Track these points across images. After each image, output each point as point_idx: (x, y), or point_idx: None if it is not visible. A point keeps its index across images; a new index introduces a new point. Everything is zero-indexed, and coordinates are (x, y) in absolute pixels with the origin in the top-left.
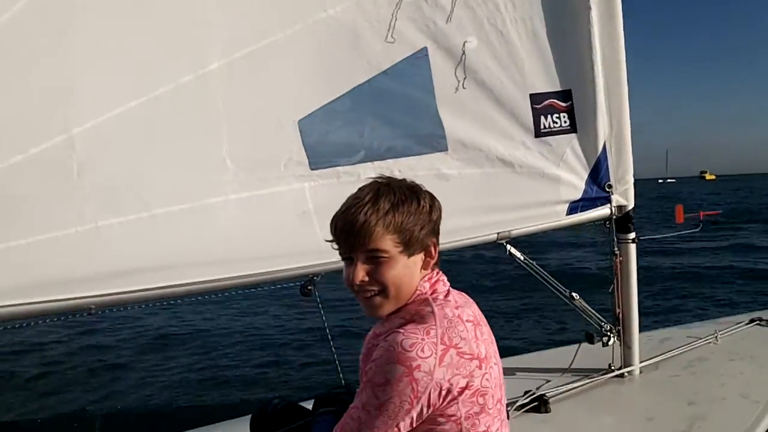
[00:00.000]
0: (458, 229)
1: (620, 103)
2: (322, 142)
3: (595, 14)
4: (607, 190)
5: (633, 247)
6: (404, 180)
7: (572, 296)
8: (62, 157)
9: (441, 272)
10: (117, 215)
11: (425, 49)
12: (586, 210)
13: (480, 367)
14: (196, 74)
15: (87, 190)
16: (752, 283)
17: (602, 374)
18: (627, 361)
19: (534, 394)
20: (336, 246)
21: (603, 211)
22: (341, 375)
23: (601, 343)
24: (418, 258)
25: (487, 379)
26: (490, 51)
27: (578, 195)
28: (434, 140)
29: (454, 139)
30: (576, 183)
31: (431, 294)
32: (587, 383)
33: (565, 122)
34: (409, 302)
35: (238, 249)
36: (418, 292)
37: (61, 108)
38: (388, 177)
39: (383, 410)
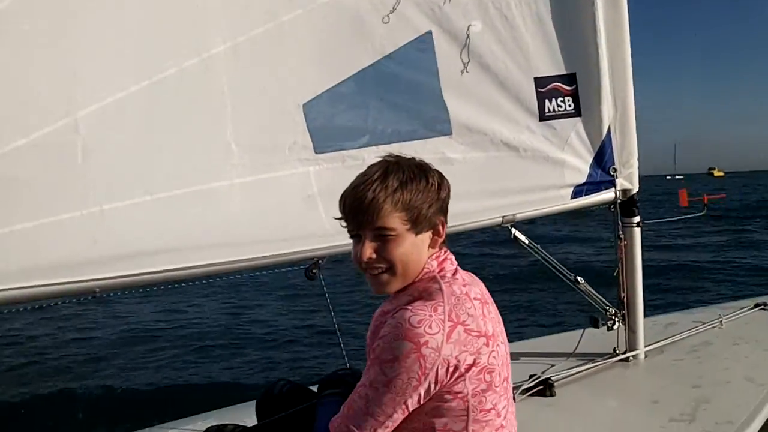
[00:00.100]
0: (463, 212)
1: (625, 87)
2: (327, 126)
3: None
4: (612, 173)
5: (638, 231)
6: (413, 158)
7: (577, 280)
8: (66, 141)
9: (449, 251)
10: (122, 199)
11: (429, 32)
12: (591, 194)
13: (487, 345)
14: (201, 57)
15: (91, 173)
16: (756, 274)
17: (607, 358)
18: (632, 346)
19: (539, 378)
20: (344, 224)
21: (607, 194)
22: (346, 358)
23: (605, 327)
24: (426, 236)
25: (494, 357)
26: (494, 35)
27: (583, 179)
28: (439, 124)
29: (459, 123)
30: (580, 167)
31: (439, 272)
32: (592, 367)
33: (570, 106)
34: (416, 280)
35: (243, 232)
36: (425, 270)
37: (65, 91)
38: (397, 155)
39: (391, 387)
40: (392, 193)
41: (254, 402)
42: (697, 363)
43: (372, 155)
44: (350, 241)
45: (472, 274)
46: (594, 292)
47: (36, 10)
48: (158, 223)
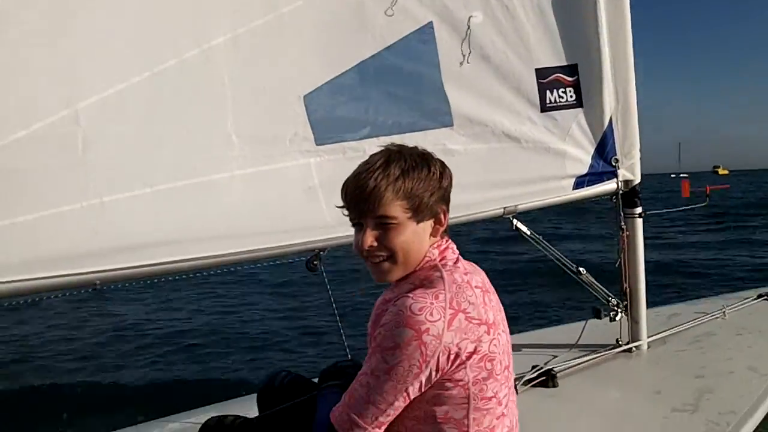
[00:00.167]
0: (464, 204)
1: (626, 78)
2: (328, 118)
3: None
4: (614, 164)
5: (640, 222)
6: (415, 147)
7: (579, 271)
8: (67, 133)
9: (451, 240)
10: (122, 190)
11: (430, 23)
12: (593, 185)
13: (488, 333)
14: (201, 49)
15: (92, 165)
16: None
17: (609, 349)
18: (634, 336)
19: (541, 368)
20: (346, 212)
21: (610, 185)
22: (347, 349)
23: (608, 318)
24: (428, 225)
25: (495, 345)
26: (495, 26)
27: (584, 169)
28: (440, 115)
29: (460, 115)
30: (582, 157)
31: (440, 260)
32: (595, 358)
33: (571, 97)
34: (418, 269)
35: (244, 224)
36: (427, 258)
37: (66, 83)
38: (400, 145)
39: (392, 374)
40: (394, 182)
41: (255, 395)
42: (700, 353)
43: (373, 147)
44: (351, 232)
45: (474, 264)
46: (596, 282)
47: (37, 2)
48: (159, 215)
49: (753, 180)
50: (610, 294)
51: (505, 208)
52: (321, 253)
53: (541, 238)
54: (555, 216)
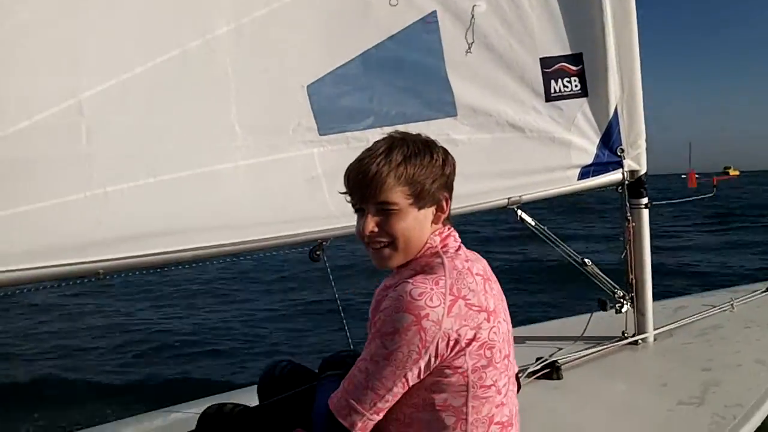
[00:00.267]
0: (468, 194)
1: (632, 67)
2: (331, 108)
3: None
4: (619, 154)
5: (646, 213)
6: (419, 135)
7: (584, 262)
8: (70, 123)
9: (453, 228)
10: (126, 180)
11: (434, 13)
12: (598, 175)
13: (488, 320)
14: (204, 39)
15: (95, 155)
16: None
17: (615, 341)
18: (641, 329)
19: (546, 360)
20: (349, 198)
21: (615, 176)
22: (350, 339)
23: (614, 310)
24: (429, 211)
25: (494, 333)
26: (499, 15)
27: (590, 159)
28: (443, 105)
29: (464, 104)
30: (587, 147)
31: (442, 248)
32: (600, 350)
33: (576, 86)
34: (419, 255)
35: (247, 214)
36: (428, 245)
37: (69, 73)
38: (403, 132)
39: (391, 360)
40: (396, 167)
41: (255, 387)
42: (707, 346)
43: (376, 137)
44: (354, 222)
45: (476, 253)
46: (602, 274)
47: None
48: (162, 205)
49: (765, 181)
50: (615, 286)
51: (509, 198)
52: (324, 243)
53: (545, 228)
54: (556, 216)
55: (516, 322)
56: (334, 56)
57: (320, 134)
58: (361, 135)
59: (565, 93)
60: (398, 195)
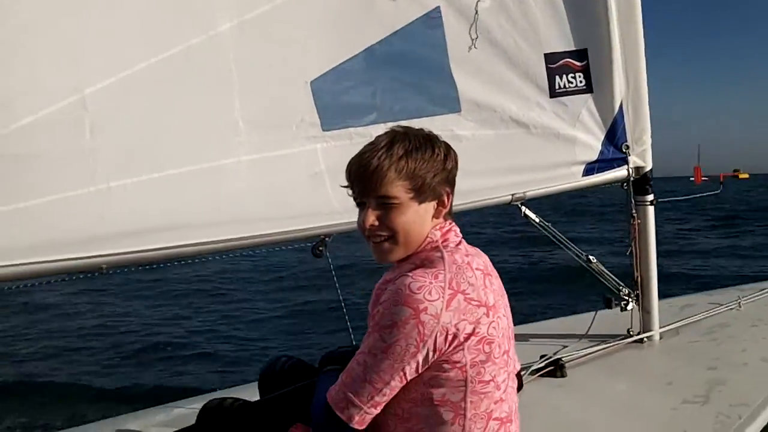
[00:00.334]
0: (472, 190)
1: (637, 63)
2: (335, 104)
3: None
4: (624, 151)
5: (651, 210)
6: (421, 129)
7: (589, 259)
8: (74, 118)
9: (454, 223)
10: (129, 176)
11: (438, 8)
12: (603, 171)
13: (487, 315)
14: (208, 35)
15: (99, 150)
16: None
17: (620, 339)
18: (646, 327)
19: (550, 358)
20: (350, 192)
21: (620, 172)
22: (352, 335)
23: (619, 308)
24: (430, 206)
25: (494, 328)
26: (503, 10)
27: (594, 156)
28: (447, 101)
29: (468, 100)
30: (592, 144)
31: (442, 242)
32: (605, 348)
33: (581, 82)
34: (419, 250)
35: (250, 210)
36: (428, 239)
37: (73, 69)
38: (406, 126)
39: (389, 353)
40: (396, 161)
41: (256, 382)
42: (713, 344)
43: (380, 132)
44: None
45: (478, 248)
46: (607, 271)
47: None
48: (165, 200)
49: None
50: (621, 283)
51: (513, 194)
52: (326, 239)
53: (550, 225)
54: (559, 219)
55: (518, 323)
56: (338, 52)
57: (323, 130)
58: (364, 131)
59: (569, 89)
60: (399, 189)
